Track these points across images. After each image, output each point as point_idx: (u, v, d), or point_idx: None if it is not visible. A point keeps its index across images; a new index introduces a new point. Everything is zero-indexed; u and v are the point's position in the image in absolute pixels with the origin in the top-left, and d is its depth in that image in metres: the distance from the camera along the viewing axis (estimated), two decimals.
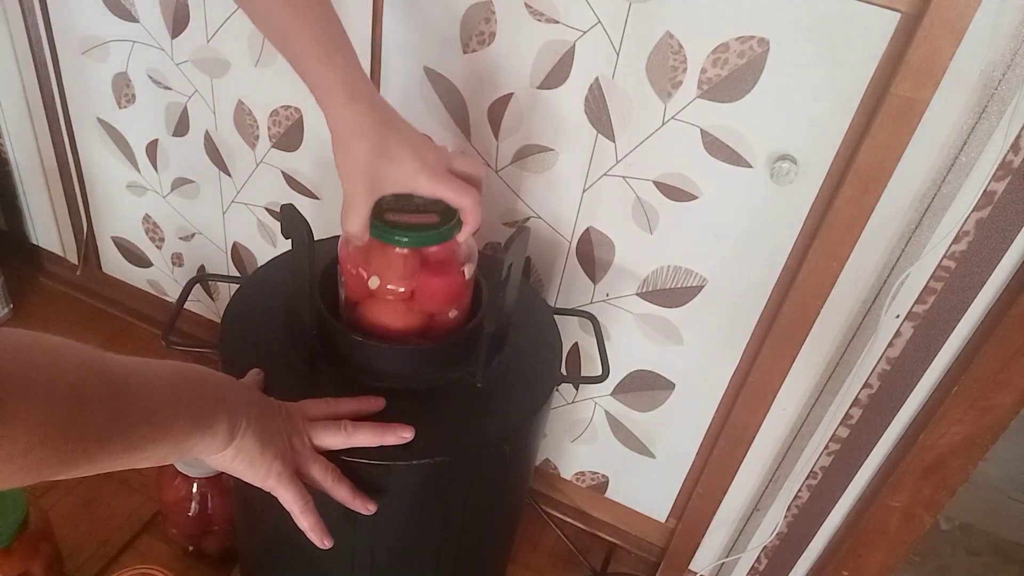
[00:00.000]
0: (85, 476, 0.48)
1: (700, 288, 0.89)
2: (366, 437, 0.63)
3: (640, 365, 1.00)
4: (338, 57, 0.60)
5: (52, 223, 1.40)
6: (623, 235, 0.89)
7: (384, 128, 0.61)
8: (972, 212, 0.70)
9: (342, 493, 0.63)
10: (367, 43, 0.89)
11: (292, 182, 1.08)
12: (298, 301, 0.69)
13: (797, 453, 0.94)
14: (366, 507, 0.65)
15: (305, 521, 0.63)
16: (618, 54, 0.77)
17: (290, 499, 0.62)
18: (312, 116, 1.00)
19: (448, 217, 0.66)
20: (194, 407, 0.55)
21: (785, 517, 0.99)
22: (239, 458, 0.59)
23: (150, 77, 1.08)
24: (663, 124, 0.79)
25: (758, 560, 1.08)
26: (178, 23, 1.01)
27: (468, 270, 0.70)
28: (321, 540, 0.64)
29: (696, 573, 1.14)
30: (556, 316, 0.83)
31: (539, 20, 0.79)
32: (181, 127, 1.11)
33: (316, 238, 0.65)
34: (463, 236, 0.67)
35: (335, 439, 0.63)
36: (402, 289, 0.68)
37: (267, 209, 1.13)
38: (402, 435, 0.64)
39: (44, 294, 1.46)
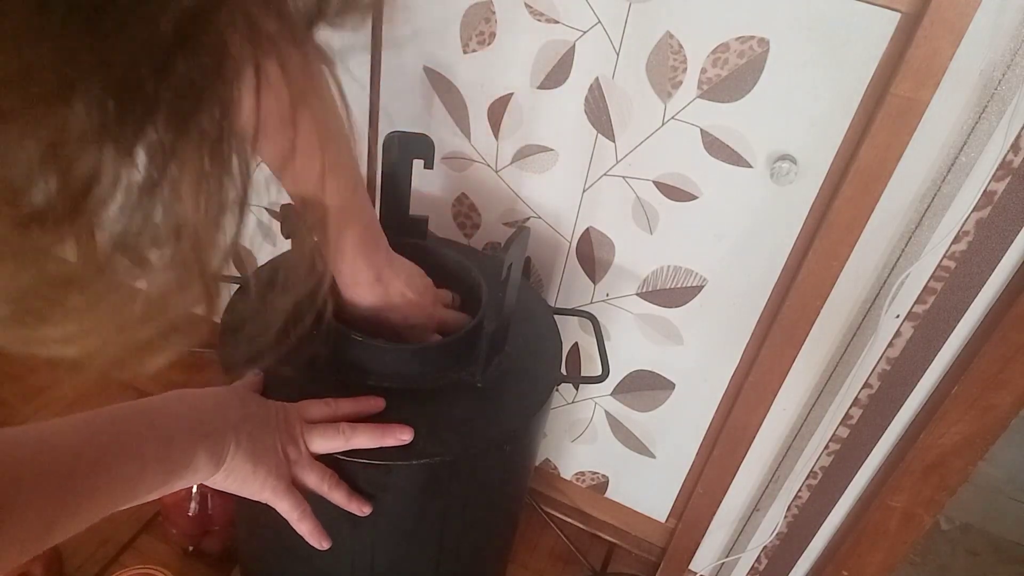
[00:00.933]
0: None
1: (700, 288, 0.89)
2: (365, 439, 0.63)
3: (640, 365, 1.00)
4: (346, 245, 0.65)
5: None
6: (623, 235, 0.89)
7: (380, 306, 0.69)
8: (972, 212, 0.70)
9: (338, 497, 0.63)
10: (367, 43, 0.89)
11: None
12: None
13: (797, 453, 0.94)
14: (361, 509, 0.65)
15: (303, 527, 0.63)
16: (618, 54, 0.77)
17: (287, 508, 0.62)
18: None
19: None
20: (163, 460, 0.53)
21: (785, 517, 0.99)
22: (231, 478, 0.59)
23: None
24: (663, 124, 0.79)
25: (758, 560, 1.08)
26: None
27: None
28: (319, 543, 0.64)
29: (696, 573, 1.14)
30: (556, 316, 0.83)
31: (539, 20, 0.79)
32: None
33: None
34: None
35: (334, 443, 0.63)
36: None
37: (267, 209, 1.13)
38: (401, 437, 0.64)
39: None
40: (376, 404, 0.67)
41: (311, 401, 0.66)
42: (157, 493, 0.53)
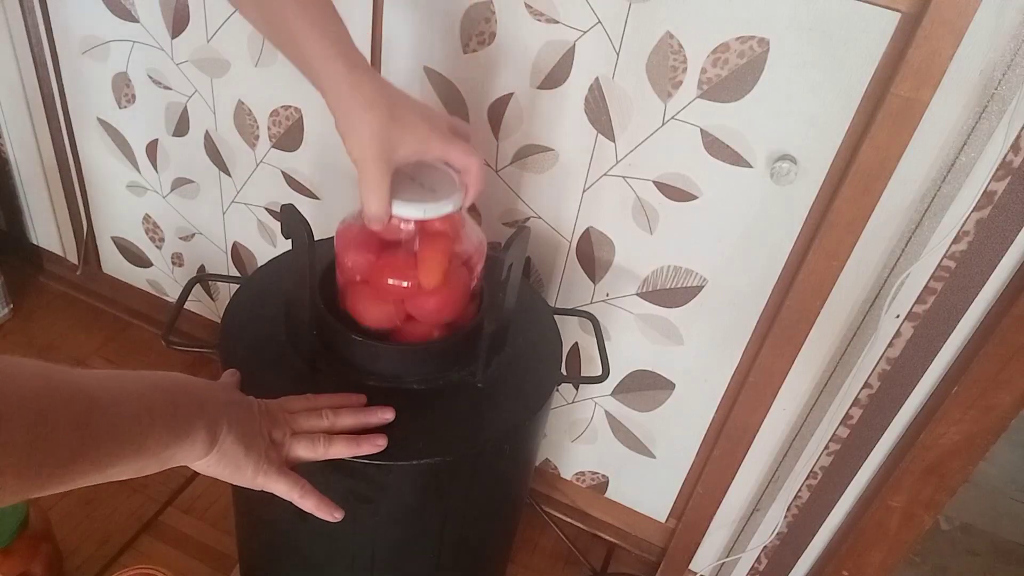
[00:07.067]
0: None
1: (700, 288, 0.89)
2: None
3: (640, 365, 1.00)
4: (333, 32, 0.59)
5: (52, 223, 1.40)
6: (623, 235, 0.89)
7: (390, 97, 0.59)
8: (972, 212, 0.70)
9: (339, 450, 0.63)
10: (367, 43, 0.89)
11: (292, 182, 1.08)
12: (298, 301, 0.69)
13: (797, 453, 0.94)
14: (375, 446, 0.64)
15: (308, 503, 0.63)
16: (618, 54, 0.77)
17: (285, 490, 0.62)
18: (312, 116, 1.00)
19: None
20: (169, 419, 0.54)
21: (785, 517, 0.99)
22: (223, 462, 0.58)
23: (150, 77, 1.08)
24: (663, 124, 0.79)
25: (758, 560, 1.08)
26: (178, 23, 1.01)
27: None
28: (331, 514, 0.63)
29: (696, 573, 1.14)
30: (556, 316, 0.83)
31: (539, 20, 0.79)
32: (181, 127, 1.11)
33: (316, 238, 0.65)
34: (471, 199, 0.65)
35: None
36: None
37: (267, 209, 1.13)
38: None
39: (44, 294, 1.46)
40: (358, 399, 0.67)
41: (291, 396, 0.66)
42: (157, 462, 0.53)
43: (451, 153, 0.62)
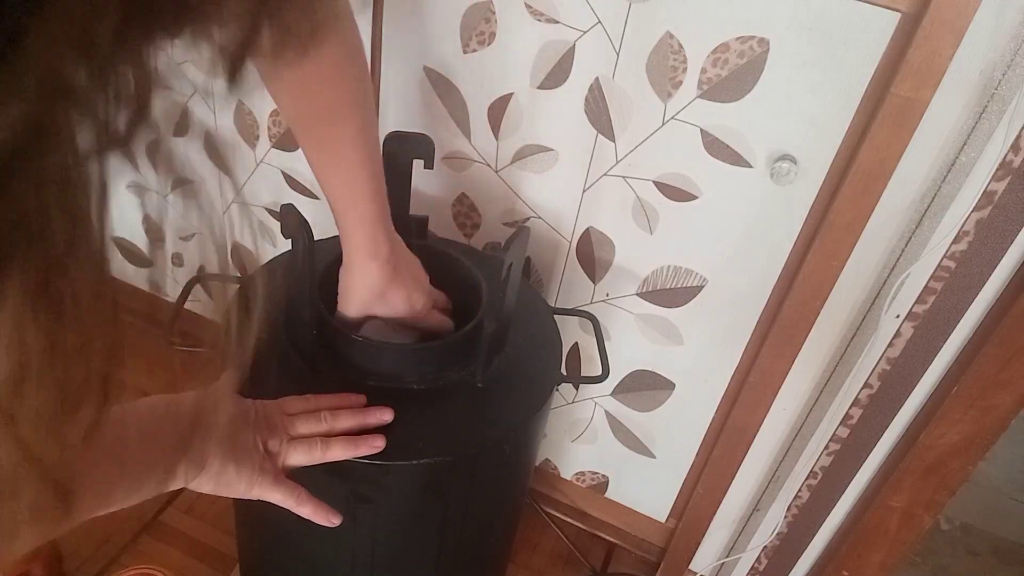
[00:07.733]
0: None
1: (700, 288, 0.89)
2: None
3: (640, 365, 1.00)
4: (372, 214, 0.66)
5: None
6: (623, 235, 0.89)
7: (391, 280, 0.68)
8: (972, 212, 0.70)
9: (337, 453, 0.63)
10: (367, 43, 0.89)
11: (292, 182, 1.08)
12: (298, 301, 0.69)
13: (797, 453, 0.94)
14: (330, 520, 0.64)
15: (305, 510, 0.63)
16: (618, 54, 0.77)
17: (281, 499, 0.61)
18: None
19: None
20: (145, 456, 0.53)
21: (785, 517, 0.99)
22: (214, 480, 0.58)
23: None
24: (663, 124, 0.79)
25: (758, 560, 1.08)
26: None
27: None
28: (329, 519, 0.64)
29: (696, 573, 1.14)
30: (556, 316, 0.83)
31: (539, 20, 0.79)
32: (181, 127, 1.11)
33: (316, 238, 0.65)
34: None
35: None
36: None
37: (267, 209, 1.13)
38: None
39: None
40: (358, 399, 0.67)
41: (290, 397, 0.66)
42: (136, 498, 0.53)
43: (422, 325, 0.73)
